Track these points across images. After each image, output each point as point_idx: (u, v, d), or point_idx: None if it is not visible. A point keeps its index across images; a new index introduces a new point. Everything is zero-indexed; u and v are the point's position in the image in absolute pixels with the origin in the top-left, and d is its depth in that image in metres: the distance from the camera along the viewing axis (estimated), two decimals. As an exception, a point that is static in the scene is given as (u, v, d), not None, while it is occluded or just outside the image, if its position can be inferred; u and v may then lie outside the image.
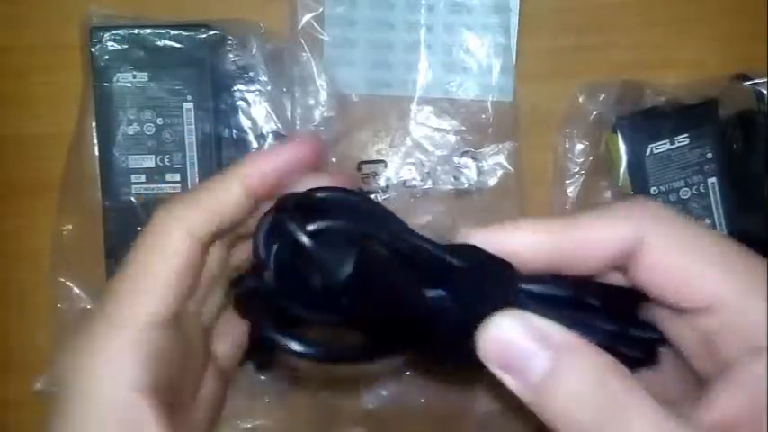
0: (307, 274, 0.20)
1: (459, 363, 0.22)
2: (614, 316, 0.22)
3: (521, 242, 0.22)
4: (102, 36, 0.39)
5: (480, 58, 0.43)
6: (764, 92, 0.41)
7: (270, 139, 0.41)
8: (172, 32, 0.39)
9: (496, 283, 0.21)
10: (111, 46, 0.39)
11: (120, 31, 0.39)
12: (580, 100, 0.42)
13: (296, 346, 0.20)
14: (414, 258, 0.21)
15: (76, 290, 0.41)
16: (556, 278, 0.22)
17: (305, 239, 0.20)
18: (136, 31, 0.39)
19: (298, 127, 0.41)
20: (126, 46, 0.39)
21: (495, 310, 0.20)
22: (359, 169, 0.43)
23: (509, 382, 0.20)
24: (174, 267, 0.24)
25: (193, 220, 0.25)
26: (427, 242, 0.21)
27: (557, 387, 0.19)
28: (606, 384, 0.19)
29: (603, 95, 0.41)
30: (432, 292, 0.21)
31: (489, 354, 0.20)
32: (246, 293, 0.24)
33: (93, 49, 0.39)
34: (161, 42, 0.39)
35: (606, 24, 0.43)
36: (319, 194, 0.22)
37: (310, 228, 0.20)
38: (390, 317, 0.21)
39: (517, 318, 0.20)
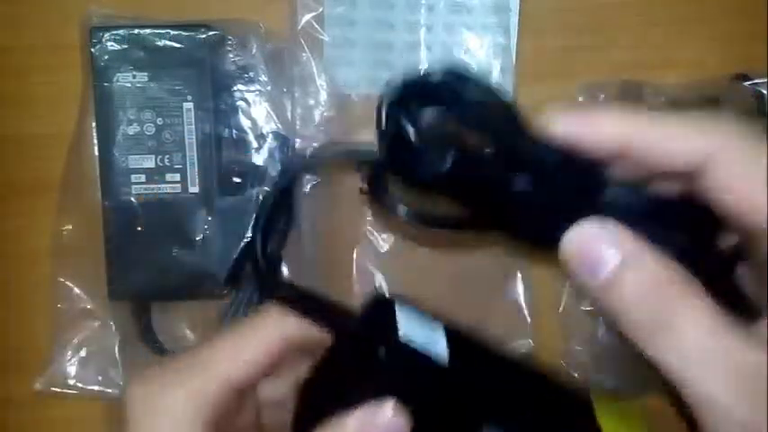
0: (411, 156, 0.22)
1: (541, 247, 0.24)
2: (695, 234, 0.24)
3: (609, 130, 0.23)
4: (102, 36, 0.39)
5: (480, 58, 0.43)
6: (765, 92, 0.40)
7: (270, 139, 0.41)
8: (172, 32, 0.39)
9: (585, 181, 0.23)
10: (111, 46, 0.39)
11: (120, 31, 0.39)
12: (580, 100, 0.42)
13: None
14: (509, 149, 0.23)
15: (76, 290, 0.41)
16: (640, 188, 0.23)
17: (413, 133, 0.22)
18: (136, 31, 0.39)
19: (298, 127, 0.41)
20: (126, 46, 0.39)
21: (582, 207, 0.22)
22: (359, 170, 0.43)
23: (583, 278, 0.22)
24: (262, 349, 0.28)
25: (291, 324, 0.29)
26: (525, 134, 0.23)
27: (619, 288, 0.22)
28: (662, 291, 0.21)
29: (603, 95, 0.41)
30: (520, 181, 0.23)
31: (568, 254, 0.22)
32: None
33: (93, 49, 0.39)
34: (161, 42, 0.39)
35: (606, 24, 0.43)
36: (435, 78, 0.23)
37: (420, 118, 0.22)
38: (481, 201, 0.24)
39: (598, 224, 0.22)
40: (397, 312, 0.27)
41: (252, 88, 0.41)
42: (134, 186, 0.39)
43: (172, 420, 0.26)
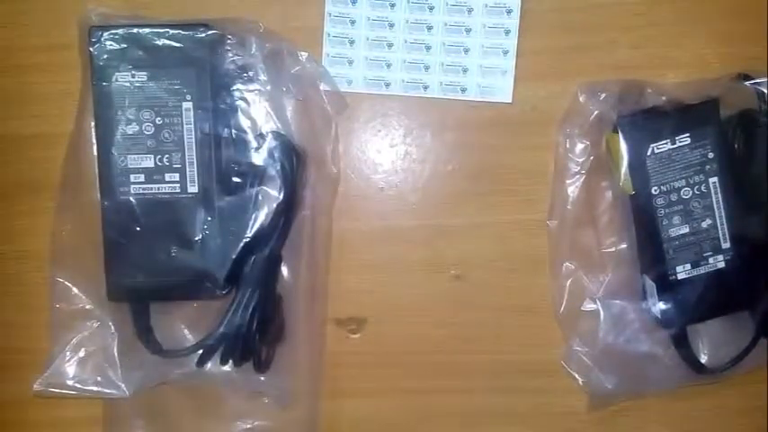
0: None
1: None
2: None
3: None
4: (101, 35, 0.39)
5: (480, 59, 0.43)
6: (765, 91, 0.40)
7: (269, 139, 0.40)
8: (171, 31, 0.39)
9: None
10: (110, 45, 0.39)
11: (119, 31, 0.39)
12: (580, 100, 0.42)
13: None
14: None
15: (75, 290, 0.41)
16: None
17: None
18: (135, 30, 0.39)
19: (297, 127, 0.41)
20: (125, 45, 0.39)
21: None
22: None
23: None
24: None
25: None
26: None
27: None
28: None
29: (604, 95, 0.41)
30: None
31: None
32: None
33: (91, 49, 0.39)
34: (160, 41, 0.39)
35: (606, 24, 0.43)
36: None
37: None
38: None
39: None
40: None
41: (251, 88, 0.40)
42: (133, 186, 0.39)
43: None
